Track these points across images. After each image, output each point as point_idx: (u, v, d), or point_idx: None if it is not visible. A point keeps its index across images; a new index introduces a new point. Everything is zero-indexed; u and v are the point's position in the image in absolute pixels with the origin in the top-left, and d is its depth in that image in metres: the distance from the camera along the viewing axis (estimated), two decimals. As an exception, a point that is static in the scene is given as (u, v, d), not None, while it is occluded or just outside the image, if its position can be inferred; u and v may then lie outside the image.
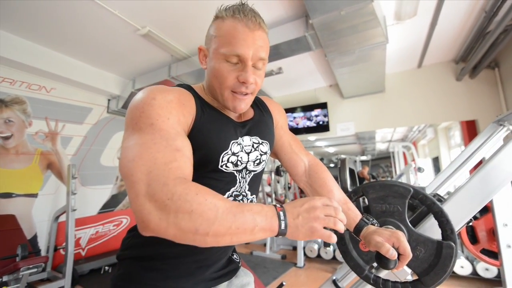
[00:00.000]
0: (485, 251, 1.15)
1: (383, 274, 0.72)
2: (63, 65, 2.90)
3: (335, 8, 1.82)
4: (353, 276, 1.08)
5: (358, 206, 0.94)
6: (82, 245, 3.19)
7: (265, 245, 3.51)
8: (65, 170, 3.04)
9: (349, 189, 0.77)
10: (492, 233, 1.15)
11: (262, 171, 0.71)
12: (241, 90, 0.59)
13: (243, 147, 0.63)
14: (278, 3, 2.13)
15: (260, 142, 0.68)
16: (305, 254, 3.16)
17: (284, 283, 1.29)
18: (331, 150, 9.80)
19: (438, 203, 0.64)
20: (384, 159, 11.38)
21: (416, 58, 3.28)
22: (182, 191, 0.43)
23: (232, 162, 0.61)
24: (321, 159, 11.28)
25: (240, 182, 0.64)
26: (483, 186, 0.77)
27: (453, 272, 2.46)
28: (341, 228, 0.47)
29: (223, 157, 0.60)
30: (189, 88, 0.64)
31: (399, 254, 0.56)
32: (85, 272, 2.88)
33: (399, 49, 3.00)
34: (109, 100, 3.66)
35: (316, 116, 4.16)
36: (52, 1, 2.03)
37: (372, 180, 6.93)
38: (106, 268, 3.02)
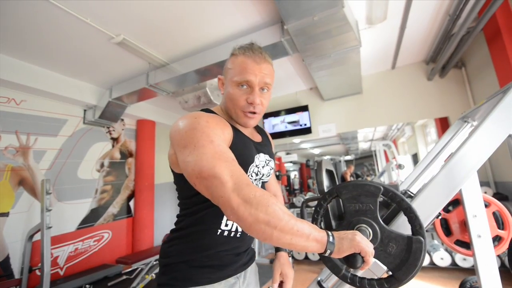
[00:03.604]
0: (458, 242, 1.19)
1: (360, 272, 0.73)
2: (34, 76, 2.77)
3: (308, 14, 1.87)
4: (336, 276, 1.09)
5: (338, 206, 0.96)
6: (60, 264, 3.03)
7: (253, 250, 3.48)
8: (38, 186, 2.89)
9: (326, 191, 0.79)
10: (464, 225, 1.19)
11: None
12: (250, 110, 0.76)
13: (260, 161, 0.81)
14: (253, 9, 2.16)
15: (270, 159, 0.87)
16: (293, 257, 3.16)
17: (270, 288, 1.28)
18: (316, 151, 9.95)
19: (407, 199, 0.66)
20: (367, 158, 11.69)
21: (390, 60, 3.42)
22: (261, 192, 0.56)
23: (255, 173, 0.79)
24: (307, 161, 11.42)
25: None
26: (449, 180, 0.81)
27: (434, 264, 2.55)
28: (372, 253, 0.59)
29: (250, 168, 0.77)
30: (212, 111, 0.80)
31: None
32: (64, 293, 2.72)
33: (373, 51, 3.12)
34: (85, 110, 3.53)
35: (299, 119, 4.21)
36: (19, 10, 1.95)
37: (357, 179, 7.08)
38: (87, 286, 2.87)
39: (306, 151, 9.48)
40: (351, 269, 0.74)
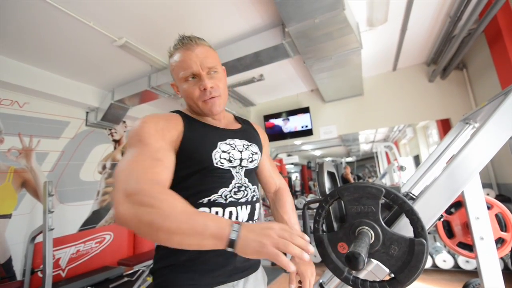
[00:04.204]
0: (461, 244, 1.19)
1: (362, 274, 0.73)
2: (37, 78, 2.79)
3: (309, 16, 1.88)
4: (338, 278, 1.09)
5: (340, 208, 0.96)
6: (62, 266, 3.03)
7: (254, 252, 3.47)
8: (41, 188, 2.90)
9: (327, 193, 0.79)
10: (466, 227, 1.19)
11: (254, 169, 0.85)
12: (206, 96, 0.74)
13: (235, 146, 0.77)
14: (255, 12, 2.17)
15: (249, 144, 0.83)
16: (295, 259, 3.15)
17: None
18: (318, 153, 9.95)
19: (409, 201, 0.66)
20: (369, 160, 11.67)
21: (391, 61, 3.43)
22: (149, 188, 0.51)
23: (225, 159, 0.74)
24: (308, 162, 11.41)
25: (236, 176, 0.76)
26: (451, 182, 0.81)
27: (437, 267, 2.54)
28: (295, 252, 0.46)
29: (215, 155, 0.72)
30: (178, 111, 0.80)
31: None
32: (66, 295, 2.73)
33: (374, 53, 3.13)
34: (87, 112, 3.55)
35: (300, 120, 4.22)
36: (22, 12, 1.97)
37: (358, 181, 7.06)
38: (89, 288, 2.88)
39: (307, 152, 9.48)
40: (353, 271, 0.74)
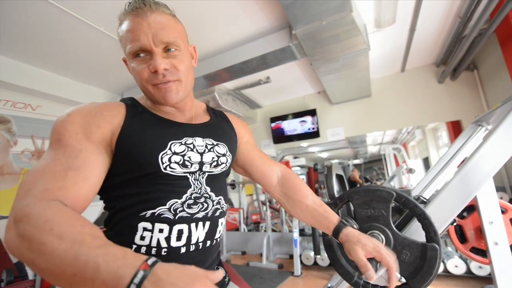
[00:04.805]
0: (474, 249, 1.16)
1: (373, 280, 0.72)
2: (49, 82, 2.87)
3: (316, 18, 1.88)
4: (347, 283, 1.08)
5: (349, 212, 0.95)
6: (72, 266, 3.09)
7: (261, 255, 3.46)
8: (52, 189, 2.96)
9: (336, 196, 0.78)
10: (480, 232, 1.16)
11: (222, 174, 0.68)
12: (158, 79, 0.57)
13: (194, 147, 0.61)
14: (262, 15, 2.18)
15: (215, 144, 0.66)
16: (302, 262, 3.12)
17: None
18: (325, 155, 9.88)
19: (420, 205, 0.65)
20: (376, 162, 11.51)
21: (399, 62, 3.39)
22: (35, 213, 0.39)
23: (177, 163, 0.57)
24: (315, 165, 11.33)
25: (194, 184, 0.60)
26: (464, 186, 0.79)
27: (448, 272, 2.48)
28: None
29: (162, 158, 0.56)
30: (128, 99, 0.65)
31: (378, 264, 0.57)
32: (76, 295, 2.77)
33: (382, 55, 3.10)
34: (97, 115, 3.63)
35: (306, 122, 4.21)
36: (36, 19, 2.03)
37: (366, 183, 6.99)
38: None
39: (314, 155, 9.41)
40: (364, 276, 0.73)
